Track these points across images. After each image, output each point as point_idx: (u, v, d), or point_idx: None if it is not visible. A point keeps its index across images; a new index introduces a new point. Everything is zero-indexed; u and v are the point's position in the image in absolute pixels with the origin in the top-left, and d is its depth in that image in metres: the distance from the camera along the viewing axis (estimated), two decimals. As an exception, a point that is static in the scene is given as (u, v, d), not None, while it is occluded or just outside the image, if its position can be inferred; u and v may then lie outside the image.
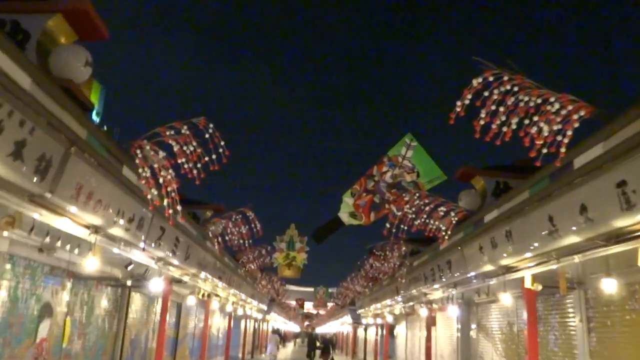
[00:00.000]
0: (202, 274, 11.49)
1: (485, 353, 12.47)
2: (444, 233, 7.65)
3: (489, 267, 7.45)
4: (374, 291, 19.67)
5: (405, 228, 7.75)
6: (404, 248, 11.30)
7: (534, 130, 4.46)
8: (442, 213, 7.63)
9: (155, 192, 5.89)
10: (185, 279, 11.24)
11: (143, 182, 5.72)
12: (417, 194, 7.69)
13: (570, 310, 8.41)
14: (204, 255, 10.73)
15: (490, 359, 12.14)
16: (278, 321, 44.96)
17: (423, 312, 13.47)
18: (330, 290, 53.44)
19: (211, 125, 5.83)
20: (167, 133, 5.75)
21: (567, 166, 5.05)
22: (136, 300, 12.55)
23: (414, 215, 7.69)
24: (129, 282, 9.01)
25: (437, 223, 7.67)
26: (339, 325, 47.95)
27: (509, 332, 11.13)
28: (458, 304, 12.98)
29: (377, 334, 25.96)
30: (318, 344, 25.59)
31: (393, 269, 11.44)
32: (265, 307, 27.93)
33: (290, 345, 38.57)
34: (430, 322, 14.85)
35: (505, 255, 6.85)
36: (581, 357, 7.95)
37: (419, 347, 20.10)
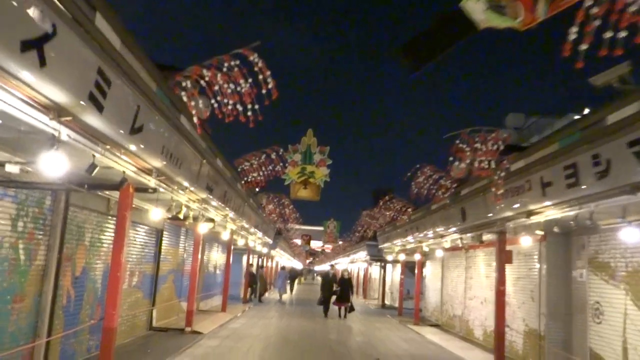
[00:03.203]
0: (177, 177, 7.12)
1: (610, 303, 8.32)
2: None
3: None
4: (413, 220, 15.47)
5: (611, 36, 3.27)
6: (504, 136, 6.81)
7: None
8: None
9: None
10: (152, 183, 6.89)
11: None
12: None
13: None
14: (176, 141, 6.30)
15: (621, 313, 7.98)
16: (283, 257, 41.49)
17: (526, 240, 9.22)
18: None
19: None
20: None
21: None
22: (83, 218, 8.27)
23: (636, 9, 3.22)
24: (12, 169, 4.60)
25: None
26: (347, 264, 44.58)
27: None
28: (553, 231, 8.72)
29: (402, 273, 22.07)
30: (336, 287, 19.21)
31: (486, 173, 7.03)
32: (270, 241, 23.99)
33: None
34: (507, 258, 10.65)
35: None
36: None
37: (464, 290, 16.13)
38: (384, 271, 27.94)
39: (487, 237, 10.93)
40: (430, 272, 20.38)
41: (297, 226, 37.14)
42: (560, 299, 10.30)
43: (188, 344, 10.63)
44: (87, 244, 8.55)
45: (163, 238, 12.64)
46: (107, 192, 8.48)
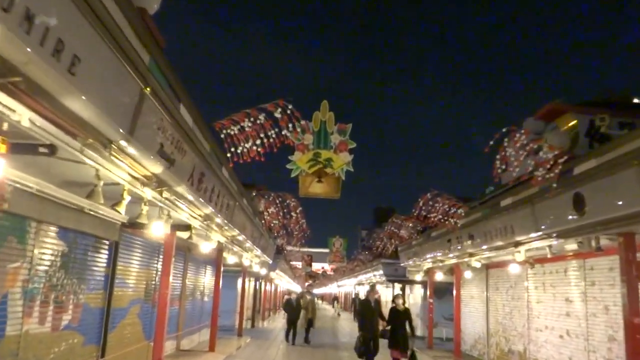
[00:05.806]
0: (86, 114, 3.38)
1: None
2: None
3: None
4: (465, 225, 11.65)
5: None
6: None
7: None
8: None
9: None
10: (25, 120, 3.17)
11: None
12: None
13: None
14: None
15: None
16: (283, 280, 37.43)
17: None
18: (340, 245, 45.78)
19: None
20: None
21: None
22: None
23: None
24: None
25: None
26: (355, 285, 40.49)
27: None
28: None
29: (430, 296, 18.14)
30: (383, 324, 11.28)
31: None
32: (270, 260, 20.12)
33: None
34: (636, 272, 6.89)
35: None
36: None
37: (527, 318, 12.30)
38: (403, 293, 23.99)
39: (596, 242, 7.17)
40: (469, 294, 16.49)
41: (302, 249, 32.69)
42: None
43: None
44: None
45: (119, 254, 8.80)
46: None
